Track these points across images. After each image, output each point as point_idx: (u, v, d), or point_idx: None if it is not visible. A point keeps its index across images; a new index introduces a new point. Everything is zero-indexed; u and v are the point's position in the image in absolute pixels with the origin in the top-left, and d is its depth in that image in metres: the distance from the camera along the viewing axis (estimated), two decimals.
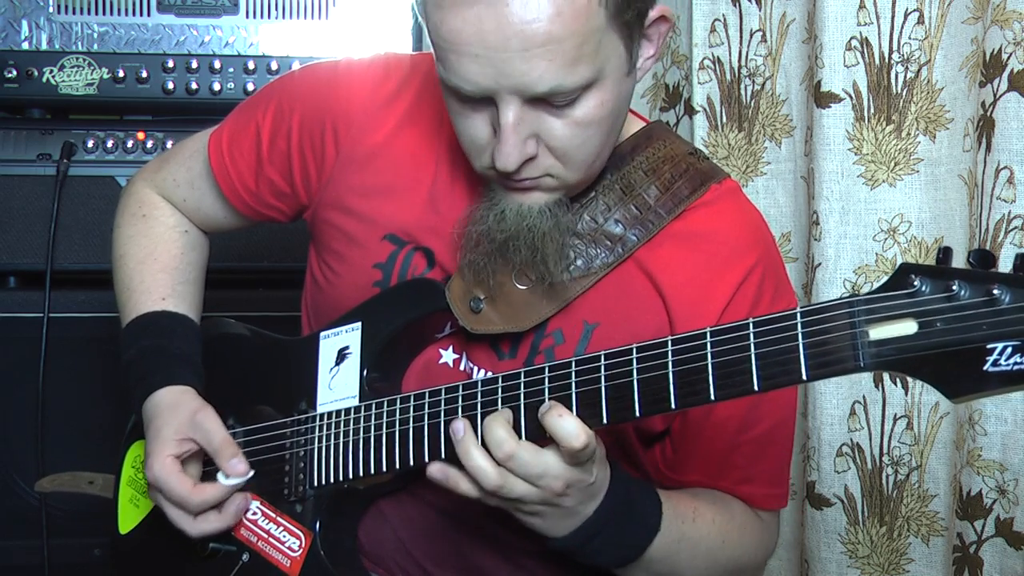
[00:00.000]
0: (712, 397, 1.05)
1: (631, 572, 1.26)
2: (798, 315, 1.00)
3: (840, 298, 0.99)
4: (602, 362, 1.11)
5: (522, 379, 1.16)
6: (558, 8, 1.09)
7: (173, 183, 1.54)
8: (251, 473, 1.35)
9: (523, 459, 1.10)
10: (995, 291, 0.90)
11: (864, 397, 1.92)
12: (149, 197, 1.56)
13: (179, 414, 1.37)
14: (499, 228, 1.24)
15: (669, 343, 1.08)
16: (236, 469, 1.34)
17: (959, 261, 0.95)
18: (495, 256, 1.27)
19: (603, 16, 1.13)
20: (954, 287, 0.92)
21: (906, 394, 1.90)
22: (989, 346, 0.89)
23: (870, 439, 1.93)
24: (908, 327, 0.94)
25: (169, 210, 1.55)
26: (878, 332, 0.95)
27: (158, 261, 1.51)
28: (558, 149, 1.19)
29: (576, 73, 1.13)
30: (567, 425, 1.08)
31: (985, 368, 0.90)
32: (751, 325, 1.03)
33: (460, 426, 1.14)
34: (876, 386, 1.92)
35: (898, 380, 1.90)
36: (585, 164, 1.23)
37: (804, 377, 0.99)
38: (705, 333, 1.06)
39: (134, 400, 1.43)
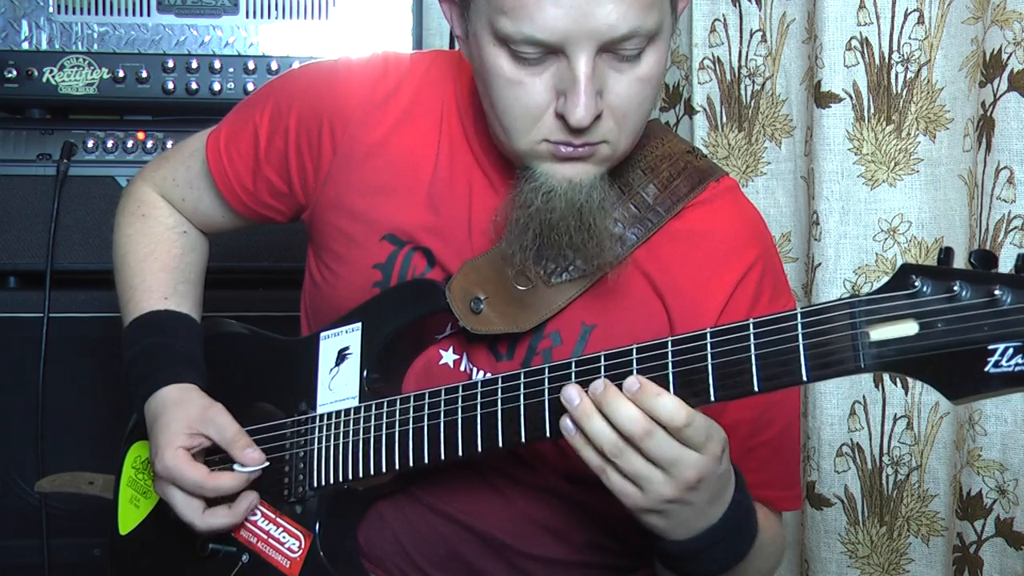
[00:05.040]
0: (712, 398, 1.05)
1: None
2: (798, 315, 1.00)
3: (841, 298, 0.99)
4: (602, 363, 1.11)
5: (522, 379, 1.16)
6: None
7: (172, 183, 1.54)
8: (266, 463, 1.35)
9: (659, 440, 1.06)
10: (996, 292, 0.90)
11: (864, 397, 1.92)
12: (148, 196, 1.56)
13: (188, 410, 1.37)
14: (548, 207, 1.22)
15: (669, 343, 1.08)
16: (251, 458, 1.34)
17: (960, 261, 0.95)
18: (541, 240, 1.24)
19: None
20: (955, 288, 0.92)
21: (906, 394, 1.90)
22: (990, 347, 0.90)
23: (870, 439, 1.93)
24: (909, 328, 0.94)
25: (168, 210, 1.55)
26: (879, 333, 0.95)
27: (159, 260, 1.51)
28: (619, 108, 1.19)
29: (651, 16, 1.15)
30: (666, 403, 1.05)
31: (986, 369, 0.90)
32: (751, 326, 1.03)
33: (574, 393, 1.09)
34: (876, 386, 1.92)
35: (898, 380, 1.90)
36: (635, 129, 1.23)
37: (804, 378, 0.99)
38: (705, 334, 1.06)
39: (136, 397, 1.43)
